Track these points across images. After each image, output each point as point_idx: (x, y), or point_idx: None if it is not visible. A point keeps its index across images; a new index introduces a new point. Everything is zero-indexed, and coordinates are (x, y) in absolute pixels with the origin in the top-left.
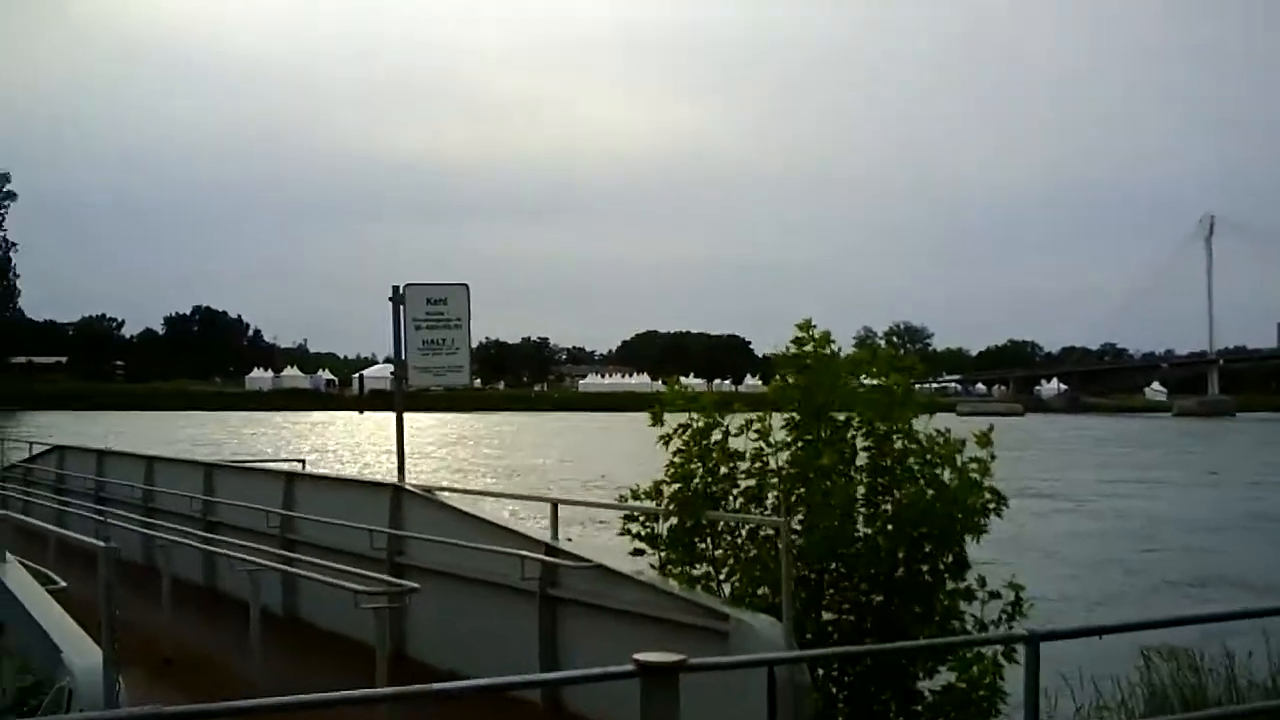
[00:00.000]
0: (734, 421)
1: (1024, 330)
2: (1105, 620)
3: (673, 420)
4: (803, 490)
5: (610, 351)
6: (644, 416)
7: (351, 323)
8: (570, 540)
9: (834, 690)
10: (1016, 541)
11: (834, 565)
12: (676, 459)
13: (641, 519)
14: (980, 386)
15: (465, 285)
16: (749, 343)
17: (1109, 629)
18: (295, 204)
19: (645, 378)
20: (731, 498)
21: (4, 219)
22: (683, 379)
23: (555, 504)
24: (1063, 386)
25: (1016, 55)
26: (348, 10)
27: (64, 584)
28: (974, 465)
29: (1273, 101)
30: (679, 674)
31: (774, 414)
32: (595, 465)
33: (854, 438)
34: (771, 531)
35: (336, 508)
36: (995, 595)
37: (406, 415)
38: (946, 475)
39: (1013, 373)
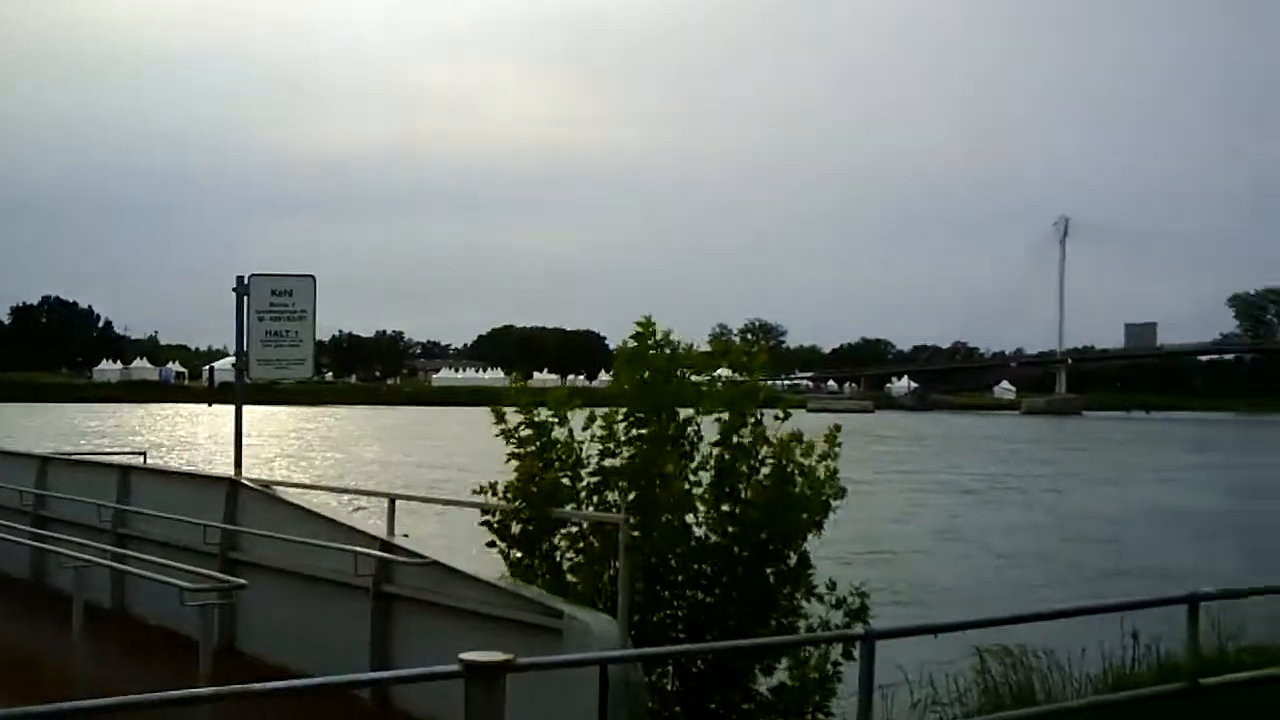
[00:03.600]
0: (579, 418)
1: (877, 329)
2: (943, 618)
3: (517, 418)
4: (644, 484)
5: (465, 346)
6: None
7: (207, 317)
8: (406, 536)
9: (670, 688)
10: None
11: (672, 563)
12: (520, 451)
13: (494, 515)
14: (831, 384)
15: (312, 277)
16: (604, 339)
17: (943, 627)
18: (161, 197)
19: (499, 373)
20: (577, 495)
21: None
22: (537, 375)
23: (393, 499)
24: (913, 384)
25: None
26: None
27: None
28: (821, 465)
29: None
30: (506, 674)
31: (619, 411)
32: (443, 460)
33: (697, 434)
34: (612, 529)
35: (172, 502)
36: (842, 603)
37: (255, 408)
38: (796, 476)
39: (864, 370)
